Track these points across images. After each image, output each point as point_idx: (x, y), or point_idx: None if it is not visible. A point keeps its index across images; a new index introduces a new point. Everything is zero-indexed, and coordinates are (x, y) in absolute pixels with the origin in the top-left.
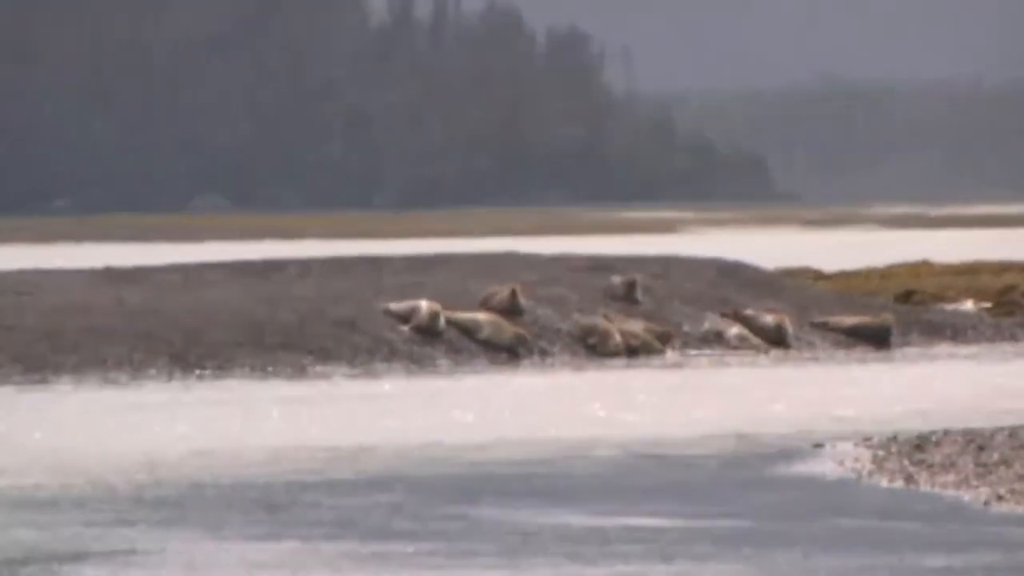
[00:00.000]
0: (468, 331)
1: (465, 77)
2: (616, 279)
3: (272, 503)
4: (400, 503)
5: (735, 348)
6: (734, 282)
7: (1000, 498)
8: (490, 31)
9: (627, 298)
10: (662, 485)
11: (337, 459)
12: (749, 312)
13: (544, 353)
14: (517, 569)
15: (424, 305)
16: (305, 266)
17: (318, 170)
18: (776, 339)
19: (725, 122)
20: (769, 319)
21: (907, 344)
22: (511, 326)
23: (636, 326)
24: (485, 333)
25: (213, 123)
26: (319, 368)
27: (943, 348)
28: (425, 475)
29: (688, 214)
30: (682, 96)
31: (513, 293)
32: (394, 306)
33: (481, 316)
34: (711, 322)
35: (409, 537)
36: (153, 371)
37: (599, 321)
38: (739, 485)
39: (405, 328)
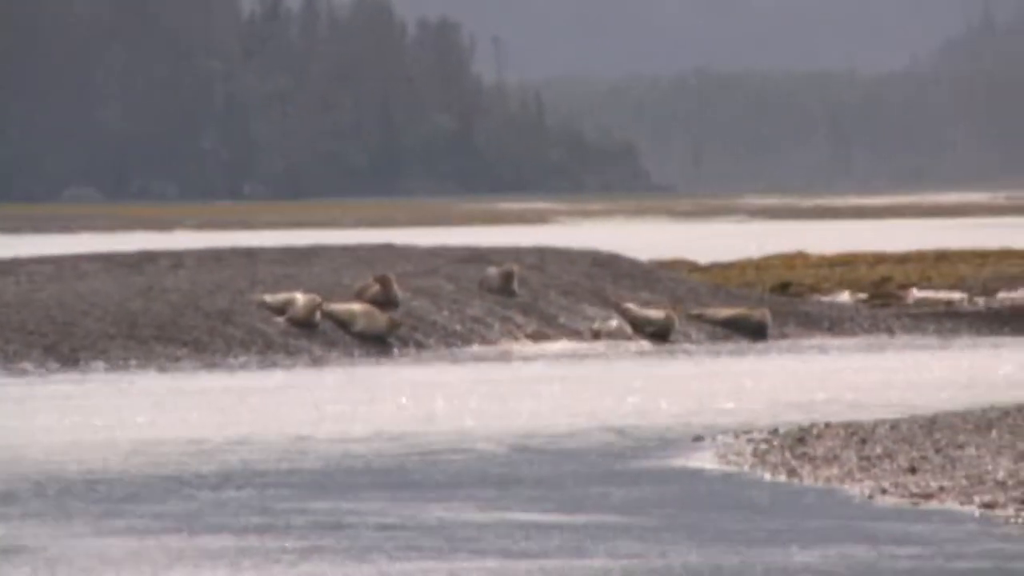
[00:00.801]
0: (343, 323)
1: (336, 67)
2: (492, 270)
3: (126, 496)
4: (251, 497)
5: (611, 339)
6: (610, 273)
7: (884, 491)
8: (361, 21)
9: (503, 290)
10: (537, 478)
11: (200, 453)
12: (631, 306)
13: (420, 345)
14: (370, 563)
15: (300, 297)
16: (179, 257)
17: (190, 161)
18: (662, 333)
19: (597, 112)
20: (657, 313)
21: (784, 336)
22: (384, 315)
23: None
24: (360, 325)
25: (86, 113)
26: (193, 361)
27: (820, 340)
28: (289, 469)
29: (560, 205)
30: (554, 86)
31: (385, 281)
32: (269, 298)
33: (356, 307)
34: (591, 314)
35: (257, 531)
36: (27, 364)
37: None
38: (617, 478)
39: (280, 320)
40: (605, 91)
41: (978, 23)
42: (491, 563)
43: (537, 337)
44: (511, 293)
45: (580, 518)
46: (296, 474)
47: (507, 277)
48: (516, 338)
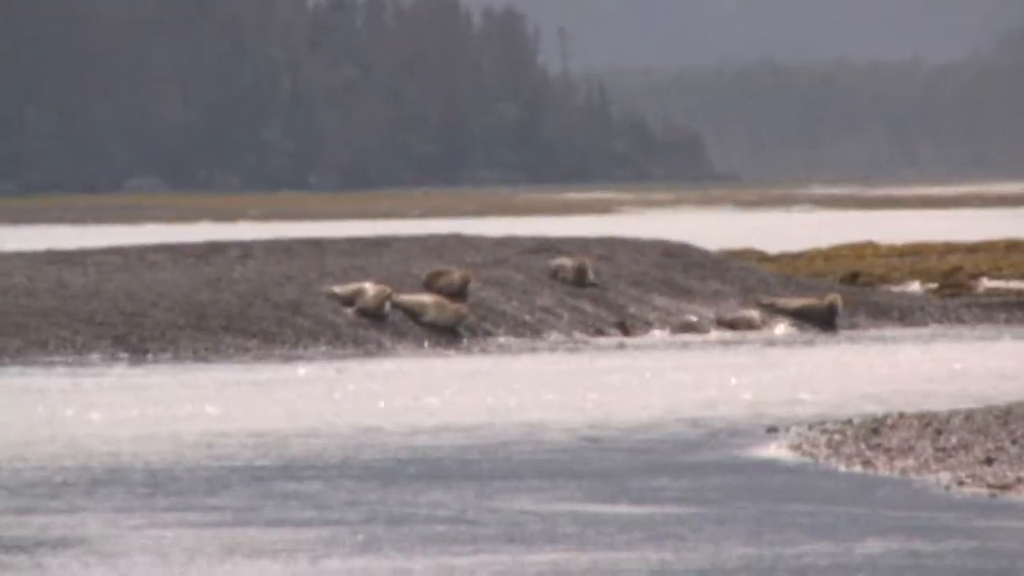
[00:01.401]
0: (413, 314)
1: (401, 58)
2: (564, 261)
3: (186, 489)
4: (315, 490)
5: (683, 331)
6: (680, 263)
7: (961, 483)
8: (426, 12)
9: (577, 282)
10: (613, 470)
11: (265, 444)
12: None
13: (489, 335)
14: (427, 555)
15: (369, 287)
16: (247, 248)
17: (255, 151)
18: (827, 318)
19: (662, 102)
20: (816, 300)
21: (854, 326)
22: (454, 305)
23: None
24: (430, 315)
25: (149, 104)
26: (263, 351)
27: (891, 330)
28: (353, 461)
29: (625, 195)
30: (618, 76)
31: (465, 279)
32: (338, 288)
33: (426, 298)
34: (661, 304)
35: (315, 523)
36: (96, 354)
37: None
38: (689, 470)
39: (349, 311)
40: (668, 81)
41: None
42: (554, 555)
43: (627, 329)
44: (585, 285)
45: (649, 509)
46: (360, 466)
47: (581, 270)
48: (595, 330)
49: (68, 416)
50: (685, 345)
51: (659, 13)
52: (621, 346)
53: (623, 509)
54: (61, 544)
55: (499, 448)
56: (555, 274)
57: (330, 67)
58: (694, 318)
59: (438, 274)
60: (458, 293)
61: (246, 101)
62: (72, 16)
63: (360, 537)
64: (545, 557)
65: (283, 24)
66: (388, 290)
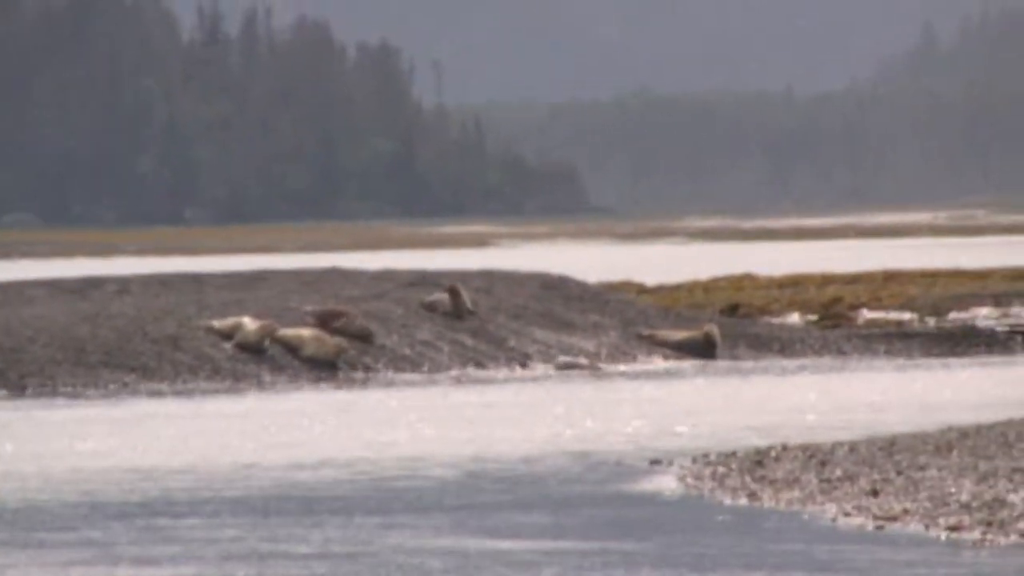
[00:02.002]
0: (292, 348)
1: (276, 92)
2: (439, 294)
3: (49, 525)
4: (188, 526)
5: (560, 365)
6: (559, 296)
7: (847, 514)
8: (300, 45)
9: (455, 310)
10: (493, 504)
11: (142, 480)
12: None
13: (368, 369)
14: None
15: (248, 322)
16: (124, 283)
17: (130, 185)
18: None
19: (538, 136)
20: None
21: (734, 358)
22: (333, 339)
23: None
24: (309, 350)
25: (22, 136)
26: (141, 386)
27: (771, 362)
28: (232, 497)
29: (501, 228)
30: (494, 109)
31: (455, 292)
32: (217, 323)
33: (305, 332)
34: (541, 338)
35: (175, 560)
36: None
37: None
38: (576, 503)
39: (228, 345)
40: (544, 114)
41: (916, 43)
42: None
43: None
44: (463, 313)
45: (542, 544)
46: (234, 502)
47: (455, 294)
48: (476, 364)
49: None
50: (566, 378)
51: (535, 46)
52: (502, 379)
53: (501, 544)
54: None
55: (376, 483)
56: (432, 307)
57: (205, 100)
58: (580, 358)
59: (335, 315)
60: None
61: (122, 134)
62: None
63: (232, 573)
64: None
65: (158, 56)
66: (272, 325)
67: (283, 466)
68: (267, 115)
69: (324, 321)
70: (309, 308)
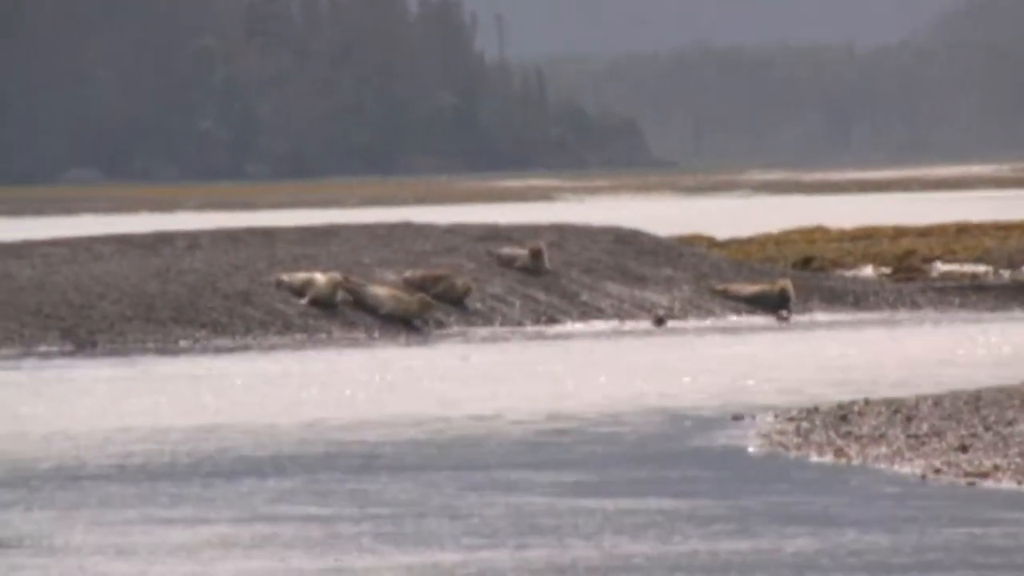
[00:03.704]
0: (366, 303)
1: (337, 47)
2: (516, 250)
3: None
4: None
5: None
6: (632, 249)
7: (937, 471)
8: (362, 0)
9: (534, 268)
10: (581, 461)
11: (210, 439)
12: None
13: (440, 324)
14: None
15: (320, 276)
16: (194, 238)
17: (191, 141)
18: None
19: (599, 89)
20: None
21: (808, 311)
22: (412, 296)
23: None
24: (386, 307)
25: (87, 95)
26: (212, 342)
27: (845, 315)
28: (297, 455)
29: (564, 182)
30: (556, 63)
31: (537, 252)
32: (287, 277)
33: (380, 289)
34: (613, 292)
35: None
36: (43, 347)
37: None
38: (661, 459)
39: (301, 301)
40: (605, 68)
41: None
42: (533, 551)
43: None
44: (541, 272)
45: (624, 502)
46: (300, 460)
47: (538, 255)
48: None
49: (28, 412)
50: (641, 333)
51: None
52: (575, 334)
53: (596, 502)
54: (11, 543)
55: (450, 441)
56: (509, 262)
57: (266, 56)
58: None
59: (434, 279)
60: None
61: (183, 91)
62: (9, 6)
63: (365, 529)
64: (526, 554)
65: (219, 14)
66: (339, 277)
67: (344, 425)
68: (328, 70)
69: (423, 288)
70: (408, 274)
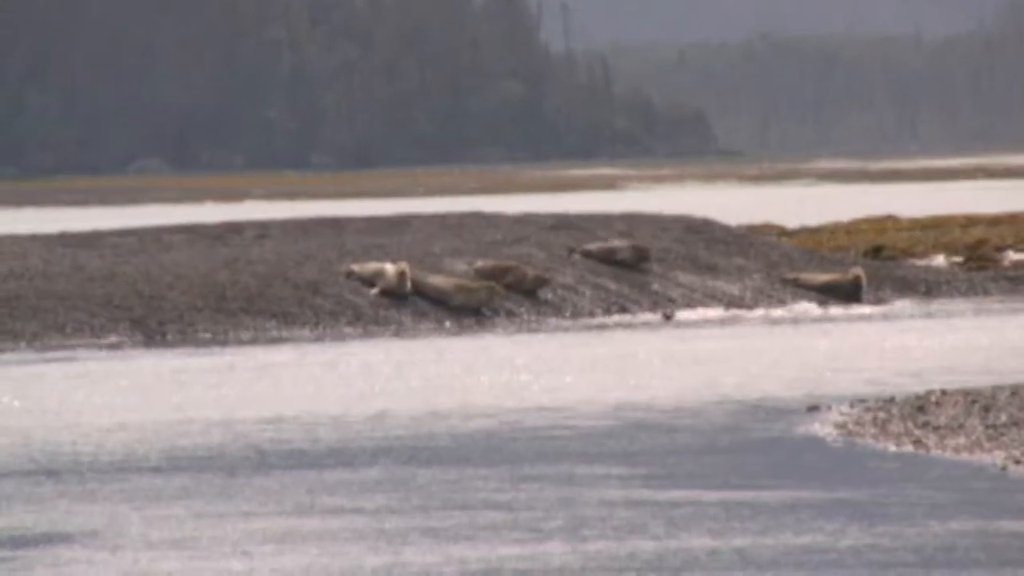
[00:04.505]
0: (434, 295)
1: (402, 36)
2: (616, 243)
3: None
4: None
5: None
6: (703, 239)
7: (1017, 461)
8: None
9: (635, 264)
10: (660, 451)
11: (280, 429)
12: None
13: (511, 314)
14: (514, 542)
15: (390, 267)
16: (264, 228)
17: (256, 131)
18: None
19: (665, 79)
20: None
21: (880, 301)
22: (484, 285)
23: None
24: (455, 299)
25: (151, 86)
26: (283, 332)
27: (917, 305)
28: (356, 448)
29: (630, 171)
30: (621, 53)
31: (643, 252)
32: (357, 267)
33: (448, 280)
34: (684, 281)
35: (296, 513)
36: (114, 337)
37: None
38: (740, 450)
39: (371, 291)
40: (671, 57)
41: None
42: (614, 543)
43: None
44: (644, 269)
45: (704, 494)
46: (362, 453)
47: (642, 253)
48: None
49: (93, 403)
50: (714, 323)
51: None
52: (647, 324)
53: (678, 494)
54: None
55: (520, 432)
56: (608, 257)
57: (330, 45)
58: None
59: (503, 269)
60: (634, 263)
61: (247, 81)
62: None
63: (420, 523)
64: (604, 545)
65: (284, 3)
66: (408, 268)
67: (416, 415)
68: (393, 59)
69: (493, 278)
70: (479, 264)
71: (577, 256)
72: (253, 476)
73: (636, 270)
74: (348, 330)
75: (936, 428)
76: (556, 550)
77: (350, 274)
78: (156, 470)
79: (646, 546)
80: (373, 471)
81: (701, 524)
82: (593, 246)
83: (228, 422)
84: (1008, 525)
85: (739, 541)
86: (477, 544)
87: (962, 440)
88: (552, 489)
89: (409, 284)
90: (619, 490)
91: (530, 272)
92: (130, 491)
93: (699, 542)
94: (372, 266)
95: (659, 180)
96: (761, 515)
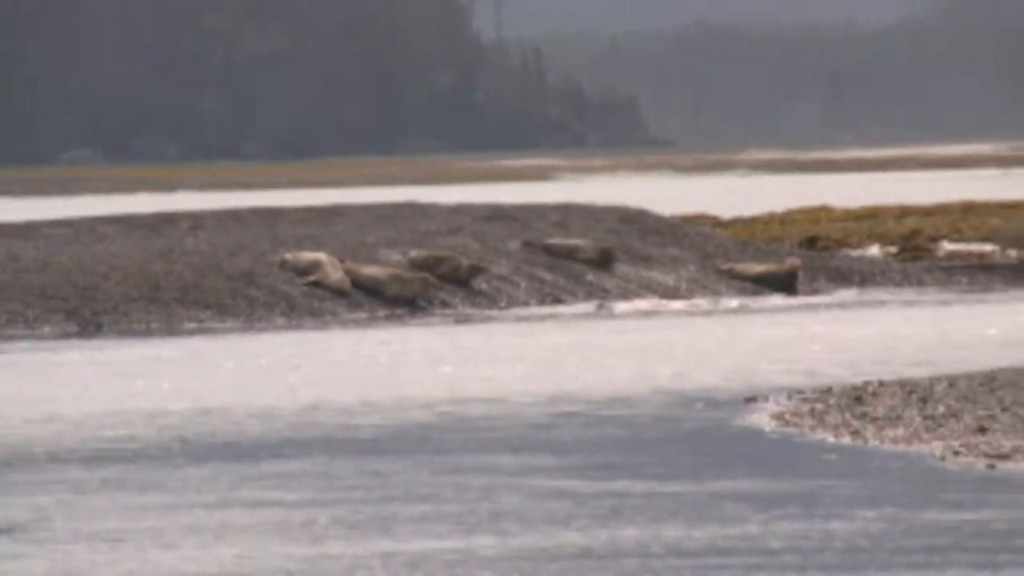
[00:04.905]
0: (369, 285)
1: (336, 26)
2: (576, 242)
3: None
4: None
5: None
6: (637, 229)
7: (956, 453)
8: None
9: (600, 263)
10: (586, 442)
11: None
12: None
13: (446, 305)
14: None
15: (327, 263)
16: (198, 219)
17: (190, 121)
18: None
19: (598, 68)
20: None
21: (814, 291)
22: (418, 277)
23: None
24: (390, 289)
25: (84, 76)
26: (216, 323)
27: (852, 294)
28: (296, 438)
29: (563, 161)
30: (554, 42)
31: (609, 254)
32: (292, 258)
33: (383, 271)
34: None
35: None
36: (48, 328)
37: None
38: (678, 441)
39: (304, 282)
40: (604, 47)
41: None
42: (543, 537)
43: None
44: (609, 268)
45: (639, 484)
46: (290, 445)
47: (607, 254)
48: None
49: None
50: (647, 314)
51: None
52: (582, 315)
53: (608, 485)
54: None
55: (458, 423)
56: (570, 255)
57: (264, 36)
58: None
59: (438, 259)
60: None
61: (181, 71)
62: None
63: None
64: (529, 538)
65: None
66: (353, 269)
67: (347, 408)
68: (327, 50)
69: (428, 268)
70: (413, 254)
71: (534, 250)
72: (179, 468)
73: (605, 269)
74: (282, 321)
75: (874, 419)
76: (480, 543)
77: (284, 264)
78: (83, 462)
79: (572, 538)
80: (300, 463)
81: (630, 516)
82: (555, 241)
83: (158, 413)
84: (944, 517)
85: (668, 533)
86: (400, 537)
87: (900, 431)
88: (480, 480)
89: (344, 277)
90: (548, 481)
91: (464, 262)
92: (56, 483)
93: (626, 533)
94: (306, 256)
95: (592, 170)
96: (692, 507)
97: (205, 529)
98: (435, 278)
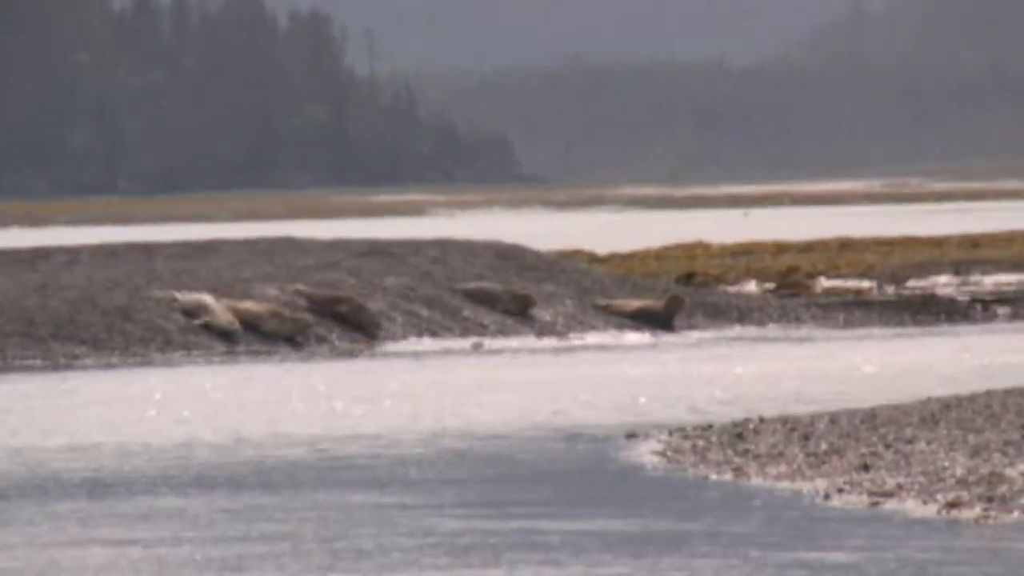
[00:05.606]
0: (247, 320)
1: (208, 61)
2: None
3: None
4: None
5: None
6: (514, 265)
7: (840, 490)
8: (232, 15)
9: (519, 311)
10: (460, 479)
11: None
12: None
13: (322, 340)
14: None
15: (212, 303)
16: (73, 253)
17: (62, 156)
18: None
19: (469, 104)
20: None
21: (692, 327)
22: (294, 315)
23: None
24: (270, 327)
25: None
26: (91, 359)
27: (729, 331)
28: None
29: (437, 196)
30: (426, 78)
31: (527, 300)
32: (180, 296)
33: (262, 308)
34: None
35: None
36: None
37: None
38: (560, 478)
39: (181, 317)
40: (476, 83)
41: (847, 13)
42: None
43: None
44: (528, 316)
45: (508, 524)
46: (157, 482)
47: (527, 301)
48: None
49: None
50: (531, 352)
51: (467, 14)
52: (462, 351)
53: (473, 524)
54: None
55: (335, 459)
56: (487, 301)
57: (137, 71)
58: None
59: (336, 300)
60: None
61: (53, 105)
62: None
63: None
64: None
65: (90, 27)
66: (240, 309)
67: (221, 443)
68: (199, 84)
69: (323, 306)
70: (304, 289)
71: (455, 294)
72: (31, 505)
73: (522, 316)
74: (158, 356)
75: (756, 456)
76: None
77: (172, 301)
78: None
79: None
80: (162, 501)
81: (492, 555)
82: (472, 286)
83: (22, 450)
84: (828, 556)
85: (527, 573)
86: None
87: (783, 468)
88: (341, 518)
89: (227, 317)
90: (413, 520)
91: (370, 307)
92: None
93: (486, 573)
94: (192, 297)
95: (466, 205)
96: (560, 546)
97: (53, 568)
98: (330, 316)
